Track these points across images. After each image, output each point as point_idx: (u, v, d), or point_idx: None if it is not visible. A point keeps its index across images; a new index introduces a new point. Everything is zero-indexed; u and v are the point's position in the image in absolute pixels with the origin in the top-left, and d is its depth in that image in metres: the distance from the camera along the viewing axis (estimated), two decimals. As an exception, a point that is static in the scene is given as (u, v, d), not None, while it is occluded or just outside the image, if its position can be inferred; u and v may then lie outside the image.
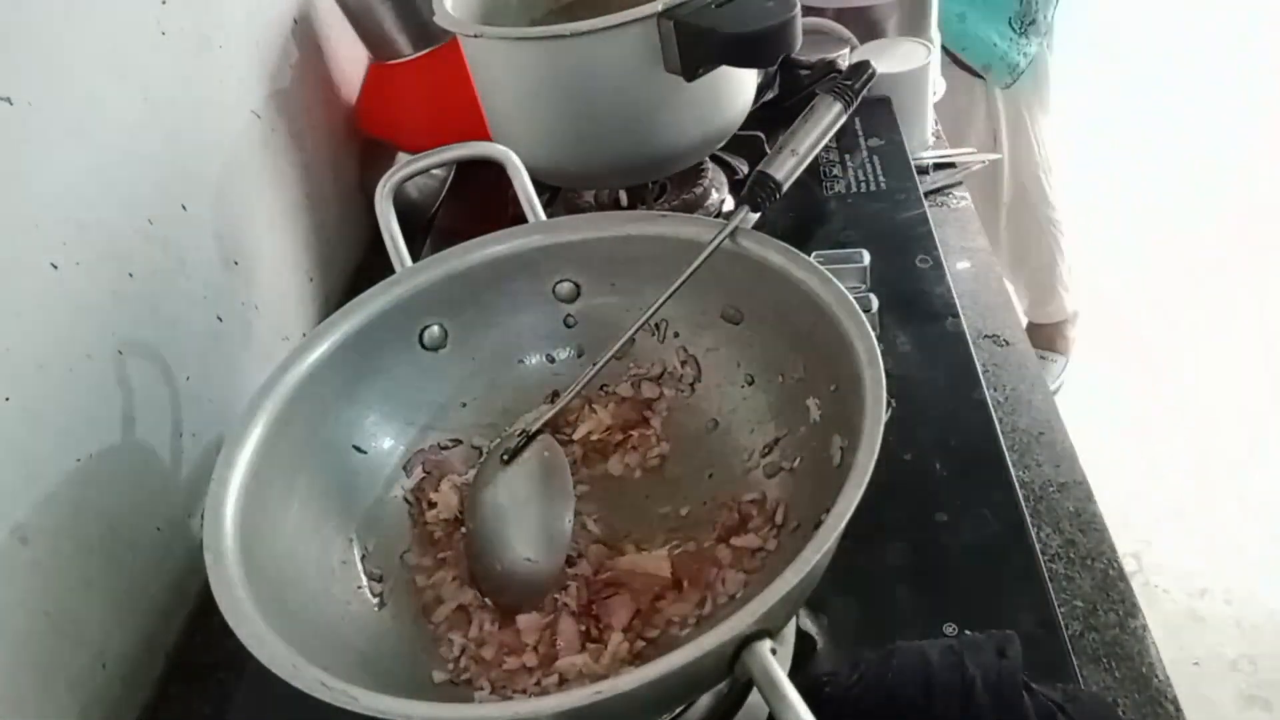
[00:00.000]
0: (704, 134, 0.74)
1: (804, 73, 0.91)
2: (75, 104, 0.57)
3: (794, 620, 0.50)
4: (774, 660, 0.33)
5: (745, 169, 0.87)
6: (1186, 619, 1.32)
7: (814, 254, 0.67)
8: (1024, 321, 1.41)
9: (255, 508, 0.44)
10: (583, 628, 0.47)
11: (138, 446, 0.60)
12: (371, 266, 0.93)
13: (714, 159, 0.85)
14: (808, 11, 0.98)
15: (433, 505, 0.53)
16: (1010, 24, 1.28)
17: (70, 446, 0.55)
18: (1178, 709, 0.49)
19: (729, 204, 0.82)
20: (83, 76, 0.58)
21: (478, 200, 0.96)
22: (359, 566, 0.49)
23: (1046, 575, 0.51)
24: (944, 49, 1.24)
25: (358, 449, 0.52)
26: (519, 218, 0.57)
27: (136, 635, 0.59)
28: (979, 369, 0.64)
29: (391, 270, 0.56)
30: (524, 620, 0.47)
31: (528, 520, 0.49)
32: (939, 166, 0.92)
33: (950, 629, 0.48)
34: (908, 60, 0.92)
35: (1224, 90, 2.23)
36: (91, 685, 0.55)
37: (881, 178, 0.83)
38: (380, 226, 0.57)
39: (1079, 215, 1.48)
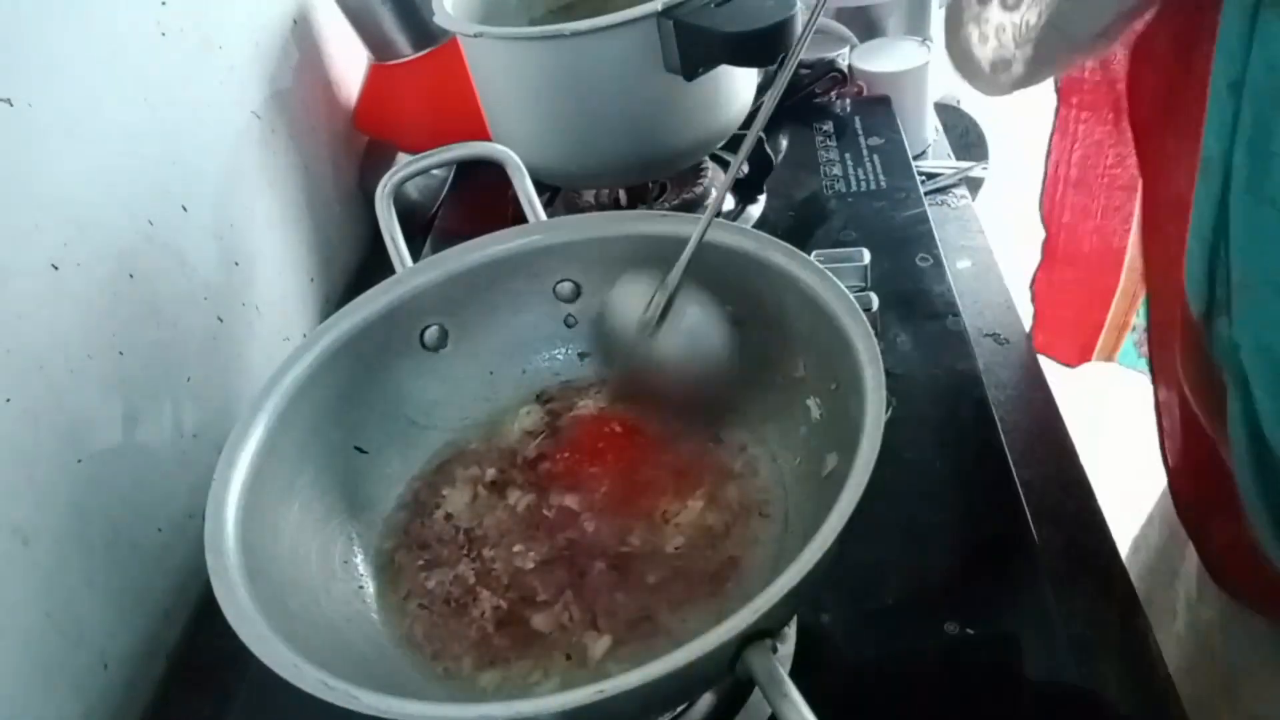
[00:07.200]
0: (704, 134, 0.74)
1: (804, 72, 0.91)
2: (75, 104, 0.57)
3: (795, 619, 0.50)
4: (775, 659, 0.33)
5: (745, 169, 0.87)
6: (1186, 618, 1.32)
7: (814, 253, 0.67)
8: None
9: (256, 508, 0.44)
10: (585, 625, 0.47)
11: (138, 447, 0.60)
12: (372, 266, 0.93)
13: (714, 159, 0.85)
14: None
15: (435, 505, 0.53)
16: None
17: (71, 447, 0.55)
18: (1178, 709, 0.49)
19: (729, 203, 0.83)
20: (83, 76, 0.58)
21: (478, 200, 0.96)
22: (360, 566, 0.49)
23: (1047, 575, 0.51)
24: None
25: (359, 449, 0.52)
26: (519, 218, 0.57)
27: (138, 636, 0.59)
28: (979, 368, 0.64)
29: (392, 270, 0.56)
30: (526, 619, 0.47)
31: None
32: (930, 176, 0.91)
33: (950, 629, 0.48)
34: (908, 60, 0.92)
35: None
36: (93, 686, 0.55)
37: (881, 177, 0.83)
38: (380, 227, 0.57)
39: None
